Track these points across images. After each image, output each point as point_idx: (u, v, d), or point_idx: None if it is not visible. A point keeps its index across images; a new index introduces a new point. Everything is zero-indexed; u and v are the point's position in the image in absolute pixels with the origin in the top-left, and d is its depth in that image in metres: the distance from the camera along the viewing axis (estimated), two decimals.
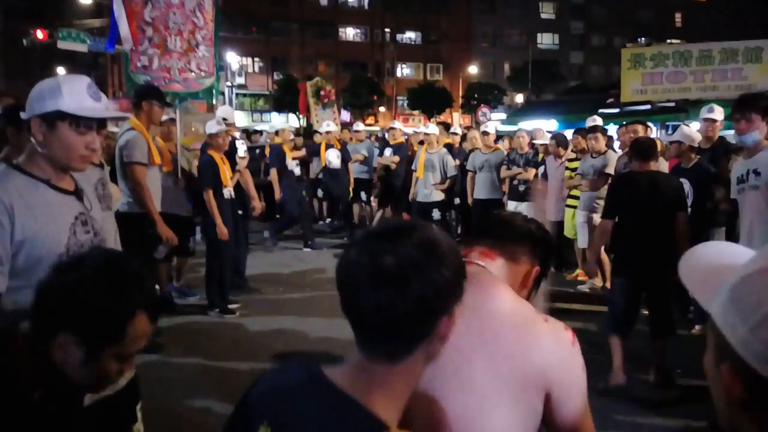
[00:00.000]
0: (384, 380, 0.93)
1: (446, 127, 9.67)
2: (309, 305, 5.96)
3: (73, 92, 1.83)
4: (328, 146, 9.30)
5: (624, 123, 6.54)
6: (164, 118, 5.53)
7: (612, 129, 9.66)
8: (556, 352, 1.18)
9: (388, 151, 9.60)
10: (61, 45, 19.80)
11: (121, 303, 1.31)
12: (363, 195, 10.13)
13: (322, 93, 12.52)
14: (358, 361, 0.95)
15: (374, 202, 10.20)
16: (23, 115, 1.87)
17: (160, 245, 4.77)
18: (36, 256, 1.79)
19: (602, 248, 6.28)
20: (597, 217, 6.27)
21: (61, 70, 47.07)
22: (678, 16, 53.21)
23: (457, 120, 36.05)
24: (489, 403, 1.13)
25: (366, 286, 0.89)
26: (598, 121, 7.73)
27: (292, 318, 5.58)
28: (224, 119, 5.90)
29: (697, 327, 5.01)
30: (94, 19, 30.08)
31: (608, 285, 6.26)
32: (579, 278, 6.95)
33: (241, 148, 6.37)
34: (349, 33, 47.88)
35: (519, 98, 40.99)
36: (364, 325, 0.93)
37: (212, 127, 5.57)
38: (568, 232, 6.94)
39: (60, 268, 1.37)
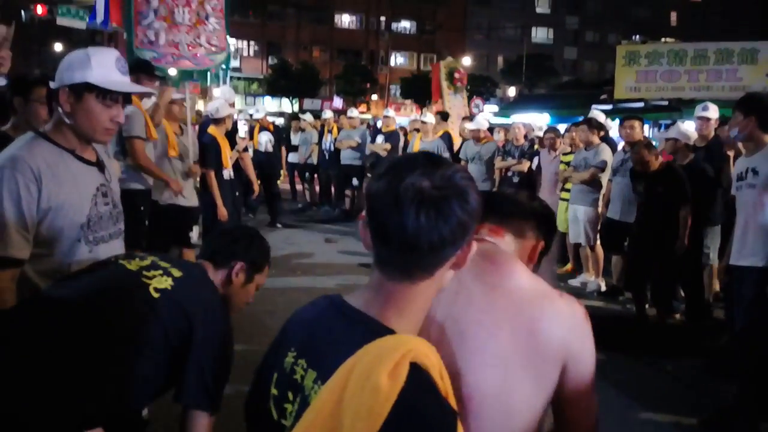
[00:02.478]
0: (399, 298, 0.98)
1: (444, 116, 9.67)
2: (300, 289, 5.94)
3: (101, 65, 1.85)
4: (261, 129, 9.31)
5: (621, 118, 6.56)
6: (175, 96, 5.11)
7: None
8: (573, 326, 1.21)
9: (380, 139, 9.63)
10: (60, 21, 19.59)
11: (267, 250, 2.06)
12: (355, 181, 10.19)
13: (456, 76, 11.13)
14: (376, 281, 1.00)
15: (365, 188, 10.21)
16: (52, 85, 1.89)
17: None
18: (59, 225, 1.83)
19: (598, 242, 6.37)
20: (587, 210, 6.33)
21: (58, 46, 46.50)
22: (673, 15, 53.39)
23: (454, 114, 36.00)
24: (514, 378, 1.15)
25: (409, 209, 0.91)
26: (597, 115, 7.59)
27: (284, 300, 5.55)
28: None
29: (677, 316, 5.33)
30: None
31: (601, 281, 6.36)
32: (569, 272, 7.01)
33: (242, 129, 6.33)
34: (345, 20, 47.59)
35: (511, 91, 41.00)
36: (397, 247, 0.95)
37: (224, 109, 5.47)
38: (560, 225, 6.96)
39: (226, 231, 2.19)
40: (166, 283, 1.71)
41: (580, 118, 7.63)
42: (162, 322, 1.64)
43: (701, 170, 5.10)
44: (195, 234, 5.44)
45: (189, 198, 5.11)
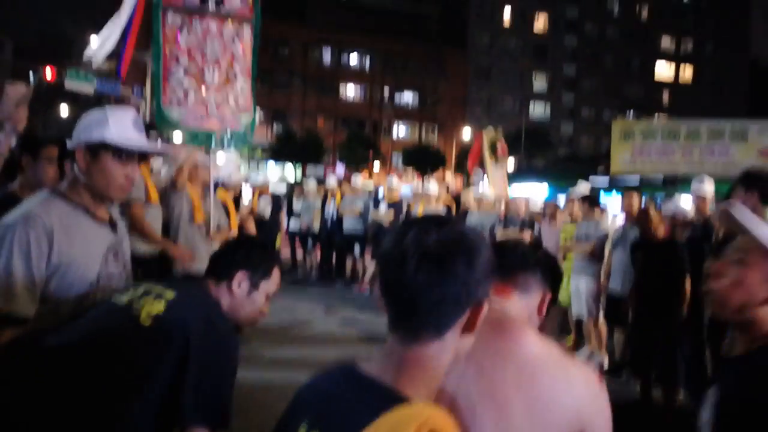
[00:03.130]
0: (411, 364, 0.96)
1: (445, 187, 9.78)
2: (298, 361, 5.76)
3: (118, 123, 1.89)
4: (261, 194, 9.28)
5: (619, 192, 6.69)
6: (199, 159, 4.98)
7: (603, 198, 9.87)
8: (588, 395, 1.18)
9: (383, 207, 9.57)
10: (69, 85, 19.91)
11: (270, 255, 1.98)
12: (356, 249, 10.02)
13: (498, 147, 10.68)
14: (388, 345, 0.99)
15: (368, 256, 10.15)
16: (69, 144, 1.92)
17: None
18: (68, 282, 1.81)
19: (601, 316, 6.34)
20: (589, 284, 6.34)
21: (64, 109, 47.46)
22: (665, 94, 55.12)
23: (450, 180, 36.48)
24: None
25: (412, 267, 0.93)
26: (582, 187, 7.73)
27: (280, 374, 5.35)
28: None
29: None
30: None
31: (605, 356, 6.28)
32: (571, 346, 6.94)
33: (248, 194, 6.39)
34: (349, 90, 48.96)
35: (510, 162, 41.68)
36: (403, 306, 0.95)
37: (236, 175, 5.60)
38: (562, 299, 6.95)
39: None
40: (158, 307, 1.65)
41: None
42: (157, 350, 1.58)
43: (699, 246, 5.11)
44: None
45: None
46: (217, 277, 1.87)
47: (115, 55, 5.85)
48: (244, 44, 5.21)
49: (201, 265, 4.65)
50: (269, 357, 5.95)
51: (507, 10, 51.58)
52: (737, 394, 1.31)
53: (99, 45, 5.17)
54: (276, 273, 1.96)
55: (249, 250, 1.93)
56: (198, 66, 4.97)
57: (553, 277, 1.43)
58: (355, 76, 48.69)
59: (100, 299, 1.83)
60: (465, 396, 1.16)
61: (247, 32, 5.22)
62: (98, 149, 1.88)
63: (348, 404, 0.96)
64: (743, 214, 1.38)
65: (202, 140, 4.94)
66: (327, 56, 47.92)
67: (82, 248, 1.85)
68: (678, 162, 12.66)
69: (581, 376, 1.19)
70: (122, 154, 1.89)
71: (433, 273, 0.93)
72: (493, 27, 51.09)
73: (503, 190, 9.73)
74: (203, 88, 4.97)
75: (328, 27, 44.85)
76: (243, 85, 5.21)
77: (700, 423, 1.40)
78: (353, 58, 49.03)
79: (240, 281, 1.86)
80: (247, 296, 1.88)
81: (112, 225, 2.00)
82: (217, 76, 5.06)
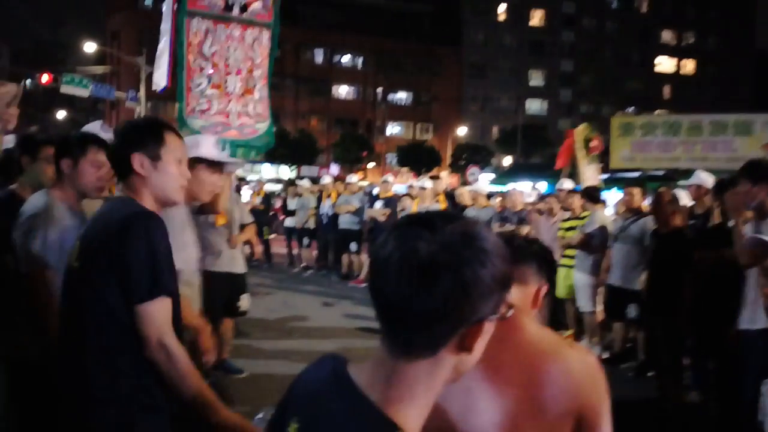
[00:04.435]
0: (400, 380, 0.88)
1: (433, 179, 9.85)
2: (297, 353, 5.80)
3: (207, 144, 2.75)
4: None
5: (619, 187, 6.66)
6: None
7: (603, 194, 9.80)
8: (584, 377, 1.20)
9: (378, 204, 9.76)
10: (64, 89, 20.34)
11: (155, 122, 2.01)
12: (353, 245, 10.27)
13: (592, 144, 10.01)
14: (380, 356, 0.90)
15: (364, 252, 10.27)
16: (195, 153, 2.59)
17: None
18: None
19: (599, 309, 6.29)
20: (588, 277, 6.29)
21: (60, 114, 47.52)
22: (666, 89, 55.10)
23: (445, 178, 36.51)
24: None
25: (393, 275, 0.84)
26: (566, 184, 7.85)
27: (282, 364, 5.45)
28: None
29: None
30: (97, 66, 30.75)
31: (593, 344, 6.24)
32: (570, 338, 6.88)
33: (247, 194, 6.34)
34: (342, 90, 48.99)
35: (507, 160, 41.72)
36: (388, 316, 0.87)
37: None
38: (559, 292, 6.89)
39: None
40: (77, 245, 1.83)
41: (578, 188, 7.71)
42: (92, 283, 1.73)
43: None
44: (246, 302, 5.15)
45: (237, 264, 4.96)
46: (123, 179, 1.90)
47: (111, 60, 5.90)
48: (262, 50, 5.18)
49: (224, 268, 4.63)
50: (269, 349, 6.10)
51: (502, 7, 51.58)
52: None
53: (157, 69, 5.19)
54: (170, 137, 1.89)
55: (129, 133, 1.93)
56: (221, 75, 4.96)
57: (548, 268, 1.44)
58: (347, 76, 48.71)
59: None
60: (464, 379, 1.12)
61: (265, 37, 5.20)
62: (194, 163, 2.52)
63: (335, 419, 0.91)
64: None
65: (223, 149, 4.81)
66: (319, 57, 47.93)
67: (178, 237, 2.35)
68: (679, 157, 12.57)
69: (578, 360, 1.22)
70: (212, 164, 2.72)
71: (415, 285, 0.83)
72: (488, 24, 51.10)
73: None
74: (226, 97, 4.96)
75: (319, 27, 44.81)
76: (261, 92, 5.19)
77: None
78: (346, 58, 49.03)
79: (140, 162, 1.84)
80: (156, 171, 1.85)
81: None
82: (239, 85, 5.05)
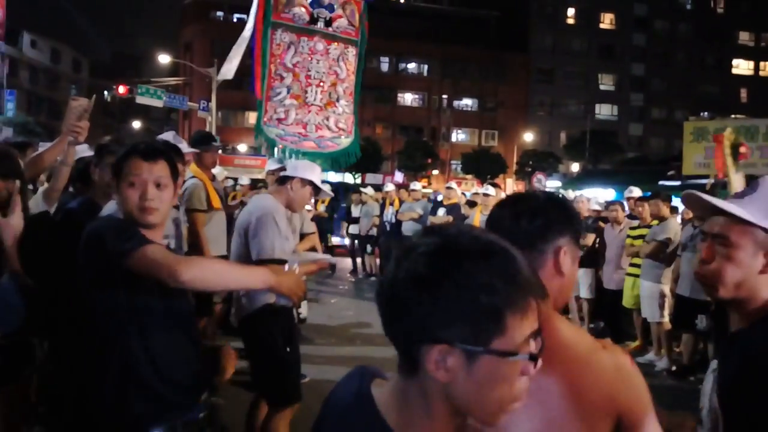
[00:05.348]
0: (412, 402, 0.89)
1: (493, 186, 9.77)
2: (358, 359, 5.88)
3: (317, 173, 3.48)
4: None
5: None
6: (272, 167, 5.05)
7: (675, 201, 9.47)
8: (619, 379, 1.17)
9: (441, 211, 9.69)
10: (140, 100, 21.32)
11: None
12: None
13: (741, 150, 9.27)
14: (396, 375, 0.93)
15: None
16: (289, 173, 3.47)
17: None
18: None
19: (666, 319, 6.11)
20: (656, 286, 6.11)
21: (136, 124, 50.06)
22: (743, 92, 52.35)
23: (511, 186, 35.97)
24: None
25: (384, 284, 0.87)
26: (635, 192, 7.77)
27: (343, 370, 5.47)
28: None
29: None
30: (170, 78, 32.22)
31: (661, 356, 6.04)
32: (637, 349, 6.70)
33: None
34: (407, 98, 49.13)
35: (575, 167, 40.71)
36: (388, 329, 0.89)
37: (271, 164, 5.35)
38: (626, 302, 6.73)
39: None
40: None
41: (648, 194, 7.51)
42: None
43: None
44: (305, 309, 5.21)
45: None
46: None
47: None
48: (348, 66, 5.15)
49: (218, 246, 4.71)
50: (331, 355, 6.18)
51: (571, 11, 50.49)
52: (739, 365, 1.32)
53: (228, 62, 5.32)
54: (126, 166, 1.99)
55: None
56: (301, 86, 4.93)
57: (562, 222, 1.27)
58: (413, 83, 48.81)
59: None
60: None
61: (351, 54, 5.17)
62: (306, 183, 3.41)
63: None
64: (708, 197, 1.42)
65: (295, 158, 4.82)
66: (385, 65, 48.27)
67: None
68: (756, 163, 11.97)
69: (610, 362, 1.18)
70: (316, 189, 3.50)
71: (387, 309, 0.86)
72: (556, 28, 50.07)
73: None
74: (305, 108, 4.93)
75: (385, 35, 45.17)
76: (345, 107, 5.13)
77: (702, 394, 1.44)
78: (411, 66, 49.19)
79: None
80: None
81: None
82: (319, 97, 4.99)
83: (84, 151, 3.49)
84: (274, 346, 3.23)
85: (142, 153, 1.97)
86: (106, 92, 23.17)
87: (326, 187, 3.64)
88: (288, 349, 3.26)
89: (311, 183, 3.43)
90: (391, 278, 0.86)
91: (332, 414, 1.01)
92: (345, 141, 5.12)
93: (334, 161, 5.12)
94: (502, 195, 9.99)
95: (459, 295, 0.81)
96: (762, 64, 53.11)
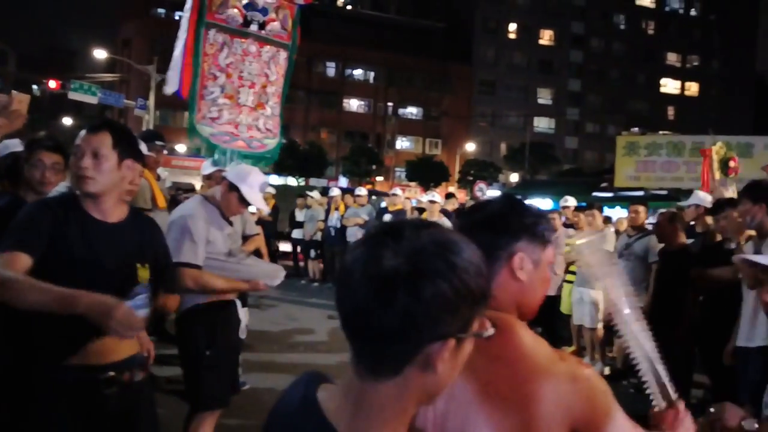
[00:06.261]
0: (367, 405, 0.84)
1: (448, 197, 9.88)
2: (301, 366, 5.82)
3: (254, 183, 3.22)
4: None
5: (623, 205, 6.72)
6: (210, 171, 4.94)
7: (607, 211, 9.87)
8: (576, 390, 1.16)
9: (387, 217, 9.68)
10: (72, 96, 20.46)
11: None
12: None
13: (731, 165, 8.91)
14: (350, 377, 0.87)
15: None
16: (227, 175, 3.35)
17: None
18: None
19: (600, 325, 6.32)
20: (591, 293, 6.32)
21: (67, 121, 48.04)
22: (671, 110, 55.23)
23: (459, 197, 36.55)
24: None
25: (354, 286, 0.81)
26: (570, 201, 8.00)
27: (285, 378, 5.43)
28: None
29: None
30: (106, 73, 31.09)
31: (595, 360, 6.25)
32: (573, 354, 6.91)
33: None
34: (353, 104, 49.23)
35: (514, 177, 41.78)
36: (350, 330, 0.84)
37: (207, 167, 5.15)
38: (564, 308, 6.94)
39: None
40: None
41: (583, 204, 7.79)
42: None
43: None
44: (245, 316, 4.92)
45: None
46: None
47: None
48: (278, 69, 5.23)
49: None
50: (272, 362, 6.05)
51: (513, 26, 51.92)
52: None
53: (171, 70, 5.12)
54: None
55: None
56: (234, 86, 4.98)
57: (516, 227, 1.26)
58: (359, 89, 48.96)
59: None
60: (459, 396, 1.15)
61: (282, 57, 5.25)
62: (234, 190, 3.20)
63: None
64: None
65: (229, 159, 4.93)
66: (331, 70, 48.24)
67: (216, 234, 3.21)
68: (682, 177, 12.63)
69: (567, 374, 1.17)
70: (244, 202, 3.24)
71: (372, 298, 0.79)
72: (499, 42, 51.39)
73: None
74: (237, 109, 4.99)
75: (332, 41, 45.15)
76: (273, 109, 5.24)
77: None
78: (357, 72, 49.36)
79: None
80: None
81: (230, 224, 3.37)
82: (251, 98, 5.07)
83: (16, 146, 3.34)
84: (192, 348, 3.15)
85: (89, 127, 2.08)
86: (35, 87, 22.14)
87: (257, 199, 3.28)
88: (208, 352, 3.14)
89: (238, 192, 3.18)
90: (374, 273, 0.80)
91: (277, 422, 0.96)
92: (271, 143, 5.26)
93: (266, 160, 5.24)
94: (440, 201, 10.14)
95: (456, 288, 0.80)
96: (687, 84, 56.16)
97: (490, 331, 0.88)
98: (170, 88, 5.00)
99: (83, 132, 2.07)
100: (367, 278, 0.80)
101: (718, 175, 8.84)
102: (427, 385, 0.84)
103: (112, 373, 2.01)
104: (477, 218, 1.29)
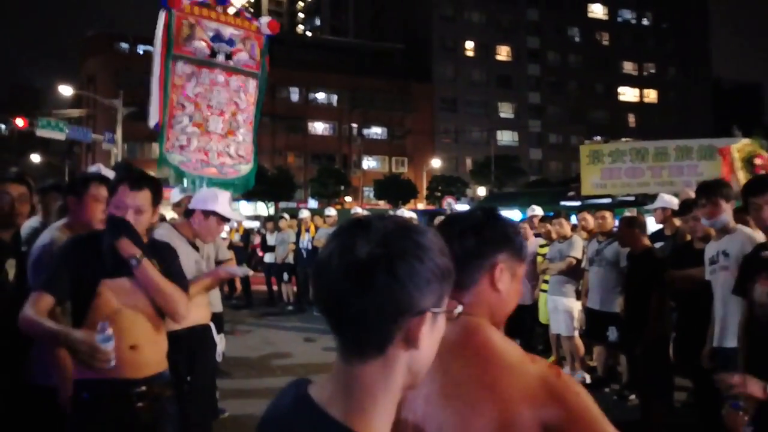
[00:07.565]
0: (357, 387, 0.88)
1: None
2: (280, 390, 5.77)
3: (224, 201, 3.36)
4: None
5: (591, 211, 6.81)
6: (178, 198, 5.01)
7: (575, 220, 9.99)
8: (547, 392, 1.16)
9: None
10: (40, 132, 20.26)
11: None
12: None
13: (757, 162, 8.11)
14: (338, 366, 0.91)
15: None
16: (191, 205, 3.48)
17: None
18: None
19: (577, 333, 6.36)
20: (565, 302, 6.37)
21: (35, 157, 47.02)
22: (631, 117, 56.67)
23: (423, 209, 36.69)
24: None
25: (332, 274, 0.86)
26: (537, 210, 8.11)
27: (264, 403, 5.31)
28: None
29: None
30: (73, 109, 30.53)
31: (584, 372, 6.28)
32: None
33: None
34: (318, 127, 49.36)
35: (481, 191, 42.20)
36: (332, 318, 0.88)
37: (176, 195, 5.17)
38: (542, 317, 6.97)
39: None
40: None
41: (551, 214, 7.86)
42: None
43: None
44: (222, 342, 4.69)
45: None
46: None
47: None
48: (248, 97, 5.30)
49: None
50: (251, 388, 5.96)
51: (470, 44, 52.85)
52: None
53: (151, 105, 5.15)
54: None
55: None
56: (203, 115, 5.03)
57: (498, 238, 1.31)
58: (323, 113, 49.15)
59: None
60: (432, 398, 1.17)
61: (252, 85, 5.32)
62: (209, 214, 3.34)
63: None
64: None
65: (198, 186, 4.94)
66: (295, 95, 48.36)
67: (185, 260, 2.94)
68: (648, 182, 12.81)
69: (537, 375, 1.17)
70: (223, 219, 3.38)
71: (352, 281, 0.84)
72: (457, 59, 52.24)
73: None
74: (206, 136, 5.03)
75: (294, 67, 45.29)
76: (245, 136, 5.29)
77: None
78: (321, 96, 49.56)
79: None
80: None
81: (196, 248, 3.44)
82: (221, 126, 5.12)
83: None
84: (172, 375, 3.07)
85: (130, 182, 2.34)
86: (2, 126, 21.68)
87: (235, 213, 3.55)
88: (189, 378, 3.16)
89: (215, 213, 3.34)
90: (351, 261, 0.85)
91: (272, 426, 0.99)
92: (244, 168, 5.29)
93: (235, 187, 5.22)
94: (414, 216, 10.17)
95: (427, 265, 0.87)
96: (645, 91, 57.81)
97: (459, 308, 0.96)
98: (152, 121, 5.02)
99: (124, 186, 2.28)
100: (344, 266, 0.85)
101: (741, 174, 8.04)
102: (411, 362, 0.90)
103: (144, 388, 2.18)
104: (463, 226, 1.32)
